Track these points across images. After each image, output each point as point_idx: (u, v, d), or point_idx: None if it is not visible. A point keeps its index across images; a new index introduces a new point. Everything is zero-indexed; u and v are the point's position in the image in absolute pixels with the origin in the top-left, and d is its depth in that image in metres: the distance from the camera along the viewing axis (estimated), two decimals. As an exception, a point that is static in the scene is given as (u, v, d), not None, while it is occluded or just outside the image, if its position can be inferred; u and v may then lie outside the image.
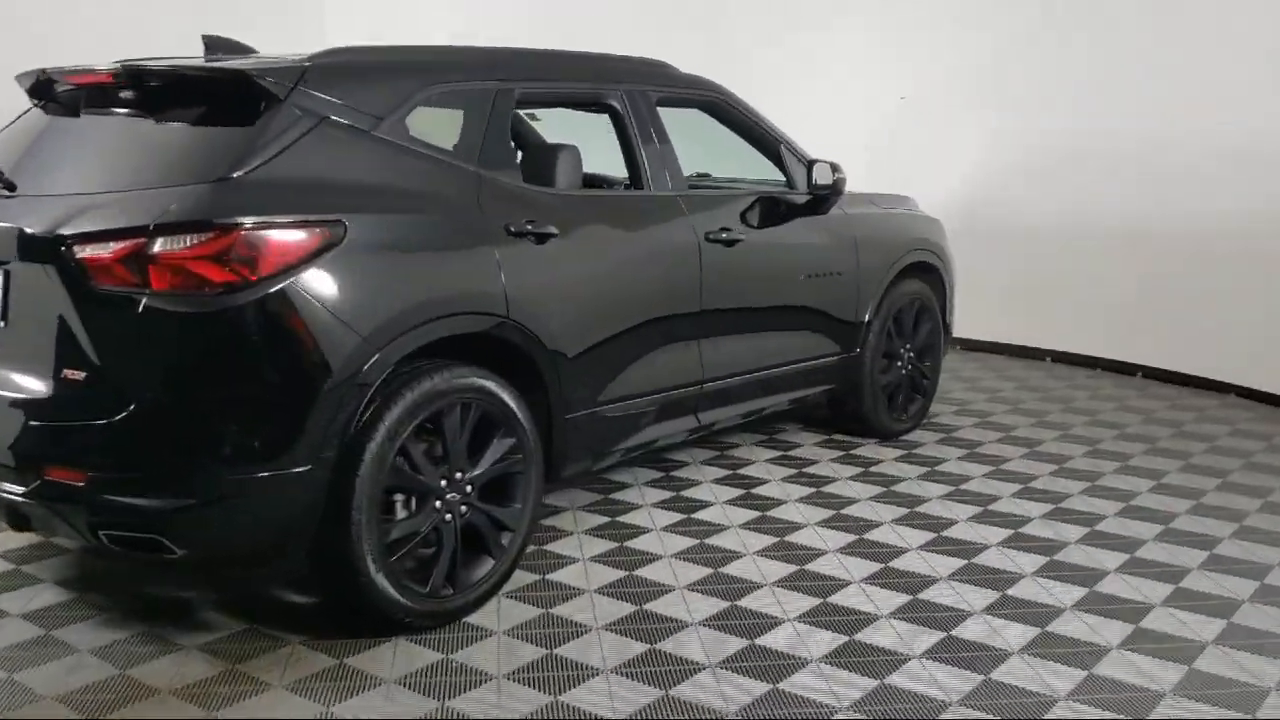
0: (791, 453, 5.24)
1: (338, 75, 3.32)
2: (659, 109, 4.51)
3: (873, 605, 3.55)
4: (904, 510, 4.46)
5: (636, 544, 4.03)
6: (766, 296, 4.65)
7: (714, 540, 4.09)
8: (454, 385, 3.30)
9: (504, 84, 3.73)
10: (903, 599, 3.60)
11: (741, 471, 4.94)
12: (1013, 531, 4.25)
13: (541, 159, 4.03)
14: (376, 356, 3.09)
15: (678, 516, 4.32)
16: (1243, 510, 4.57)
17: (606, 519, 4.28)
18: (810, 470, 4.97)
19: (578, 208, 3.89)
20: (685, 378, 4.29)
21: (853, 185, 5.32)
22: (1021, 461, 5.17)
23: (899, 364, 5.50)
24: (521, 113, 5.37)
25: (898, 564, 3.90)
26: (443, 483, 3.33)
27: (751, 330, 4.60)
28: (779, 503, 4.53)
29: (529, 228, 3.58)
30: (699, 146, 5.02)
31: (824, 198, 4.85)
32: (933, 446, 5.40)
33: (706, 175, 5.82)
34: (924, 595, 3.64)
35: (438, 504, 3.32)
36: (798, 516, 4.37)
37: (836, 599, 3.60)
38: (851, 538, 4.16)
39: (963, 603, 3.59)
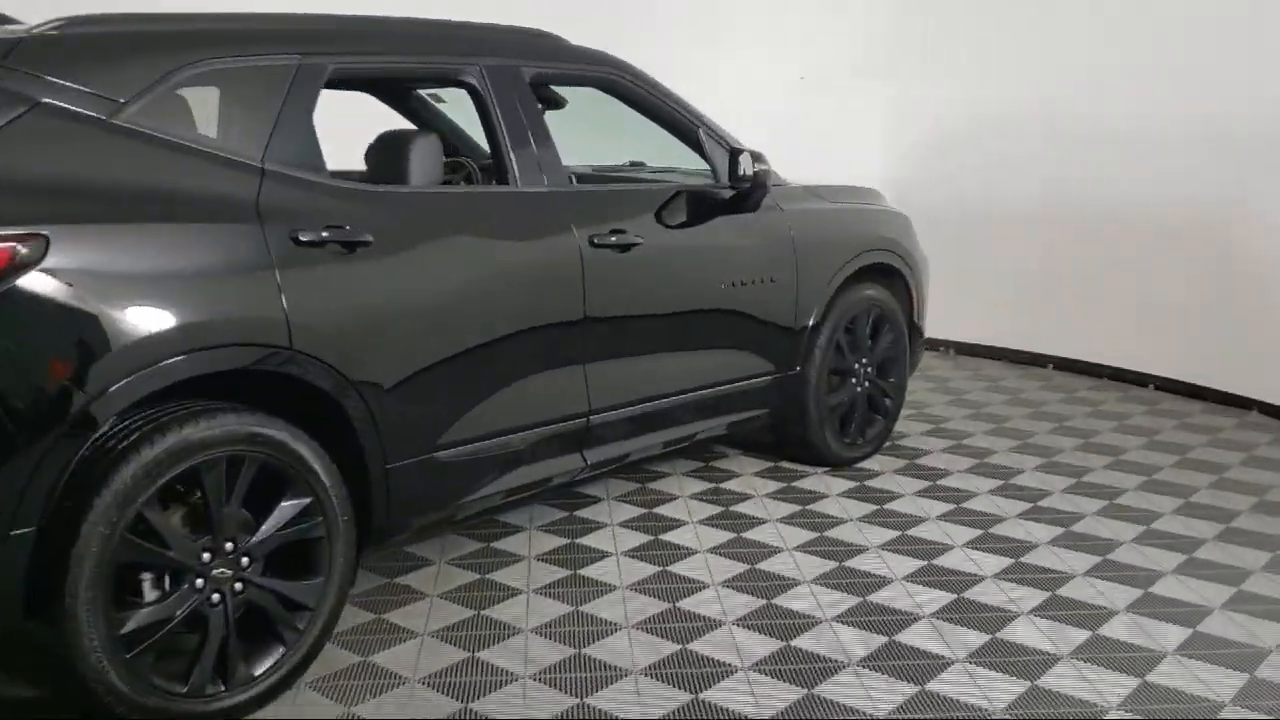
0: (724, 485, 4.54)
1: (67, 50, 2.67)
2: (544, 88, 3.83)
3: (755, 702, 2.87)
4: (831, 565, 3.75)
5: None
6: (675, 310, 3.95)
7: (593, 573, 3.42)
8: (216, 435, 2.65)
9: (309, 58, 3.05)
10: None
11: (658, 510, 4.25)
12: (956, 596, 3.53)
13: (386, 151, 3.37)
14: (90, 403, 2.45)
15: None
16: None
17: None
18: (738, 508, 4.28)
19: (408, 210, 3.21)
20: (565, 409, 3.61)
21: (791, 175, 4.62)
22: (988, 500, 4.43)
23: (853, 381, 4.78)
24: (423, 93, 4.71)
25: (802, 642, 3.21)
26: (206, 556, 2.68)
27: (656, 350, 3.90)
28: (688, 552, 3.84)
29: (328, 236, 2.91)
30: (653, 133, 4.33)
31: (750, 192, 4.14)
32: (889, 478, 4.67)
33: (640, 164, 5.13)
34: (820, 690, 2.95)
35: (198, 582, 2.67)
36: (702, 573, 3.68)
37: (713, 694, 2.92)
38: (760, 602, 3.47)
39: (867, 701, 2.90)
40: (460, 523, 3.81)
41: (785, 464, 4.82)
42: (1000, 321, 6.99)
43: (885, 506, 4.33)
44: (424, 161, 3.36)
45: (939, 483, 4.62)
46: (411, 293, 3.11)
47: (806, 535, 4.02)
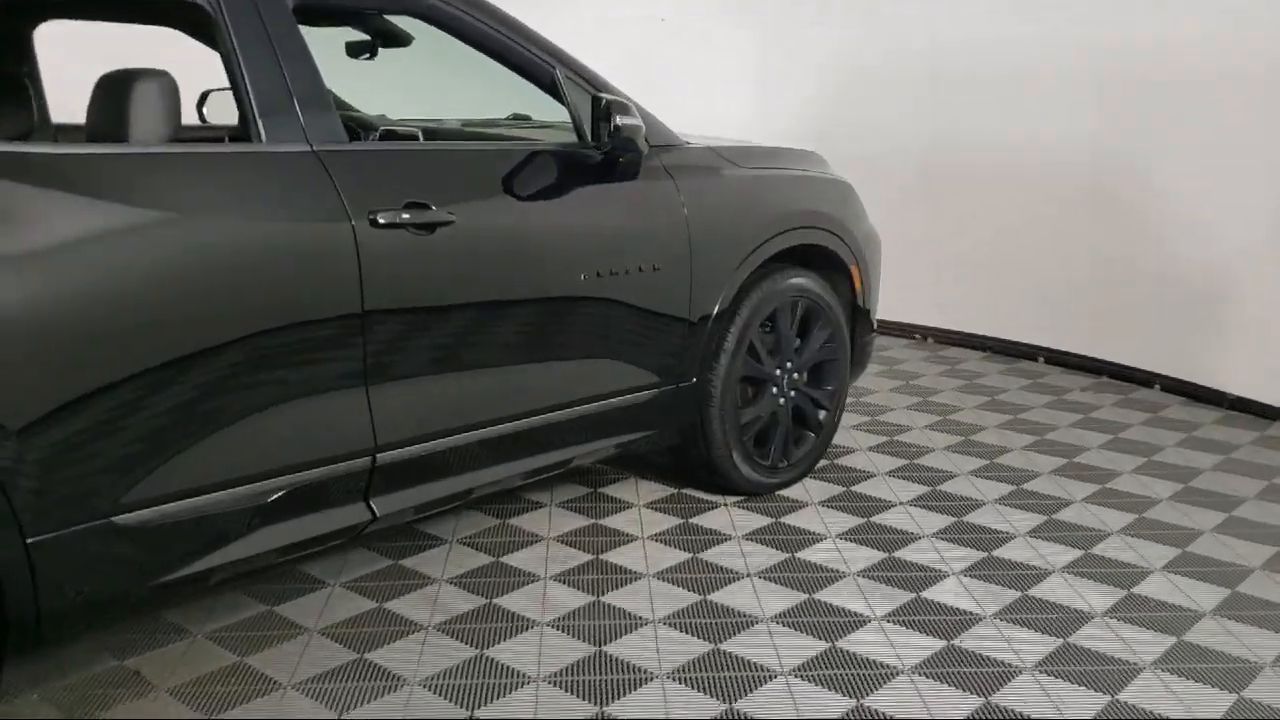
0: (605, 520, 3.64)
1: None
2: (350, 16, 2.92)
3: None
4: (701, 649, 2.85)
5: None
6: (507, 311, 3.03)
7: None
8: None
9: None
10: None
11: (505, 560, 3.36)
12: (855, 702, 2.62)
13: (102, 100, 2.49)
14: None
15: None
16: None
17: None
18: (611, 556, 3.38)
19: (59, 178, 2.29)
20: (338, 446, 2.71)
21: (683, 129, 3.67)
22: (928, 547, 3.50)
23: (773, 392, 3.84)
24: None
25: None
26: None
27: (479, 364, 2.99)
28: (522, 627, 2.95)
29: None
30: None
31: (623, 155, 3.20)
32: (810, 513, 3.75)
33: (525, 118, 4.20)
34: None
35: None
36: (525, 658, 2.78)
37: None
38: (592, 710, 2.57)
39: None
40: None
41: (690, 491, 3.91)
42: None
43: (798, 555, 3.41)
44: (150, 109, 2.46)
45: (875, 519, 3.69)
46: (71, 296, 2.21)
47: (682, 599, 3.11)
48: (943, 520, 3.69)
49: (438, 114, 4.47)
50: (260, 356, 2.50)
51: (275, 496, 2.60)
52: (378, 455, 2.78)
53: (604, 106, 3.09)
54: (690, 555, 3.41)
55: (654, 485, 3.96)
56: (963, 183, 5.93)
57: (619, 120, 3.09)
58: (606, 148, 3.17)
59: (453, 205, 2.84)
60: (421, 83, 4.89)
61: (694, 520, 3.68)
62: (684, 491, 3.91)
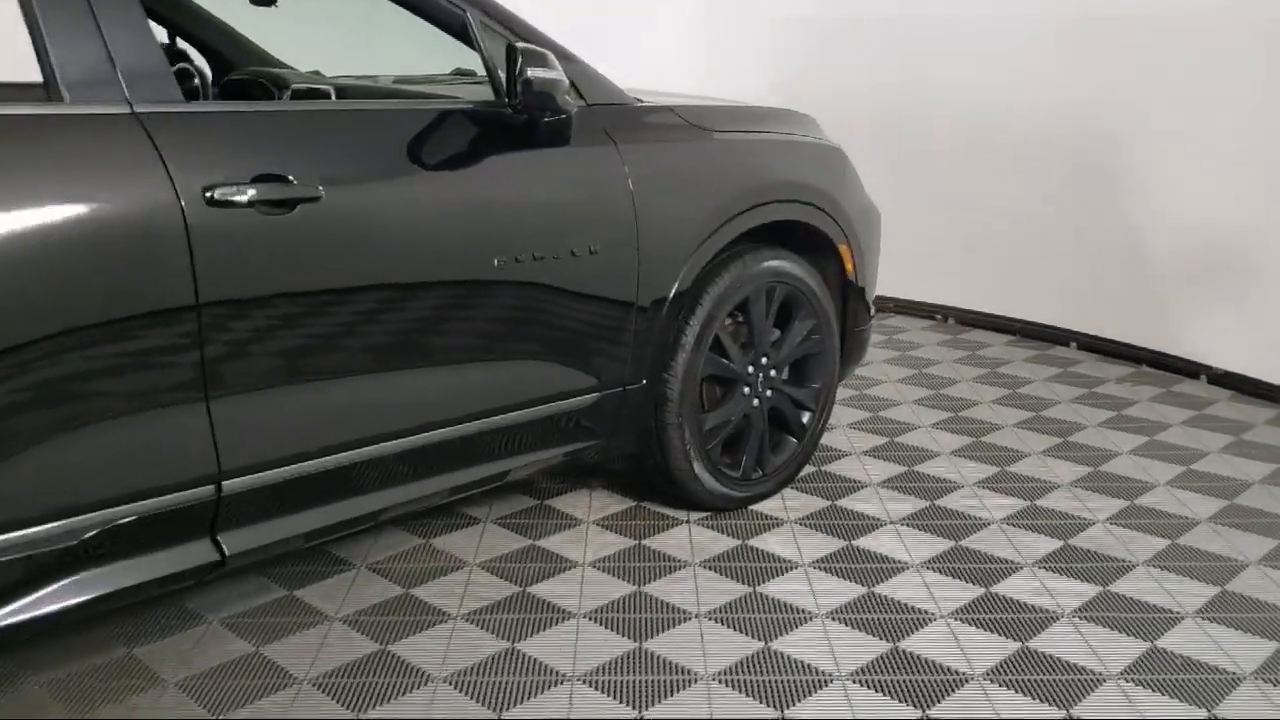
0: (544, 541, 3.16)
1: None
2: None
3: None
4: (628, 717, 2.36)
5: None
6: (393, 305, 2.52)
7: None
8: None
9: None
10: None
11: (415, 593, 2.88)
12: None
13: None
14: None
15: None
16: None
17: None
18: (540, 588, 2.89)
19: None
20: (170, 473, 2.23)
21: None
22: (916, 582, 2.97)
23: (745, 392, 3.31)
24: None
25: None
26: None
27: (354, 371, 2.49)
28: (418, 682, 2.47)
29: None
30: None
31: (546, 116, 2.68)
32: (783, 534, 3.23)
33: (470, 73, 3.69)
34: None
35: None
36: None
37: None
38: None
39: None
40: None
41: (650, 505, 3.40)
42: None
43: (761, 589, 2.89)
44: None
45: (858, 542, 3.16)
46: None
47: (613, 648, 2.62)
48: (938, 545, 3.15)
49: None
50: (64, 366, 2.03)
51: (89, 535, 2.13)
52: (224, 482, 2.29)
53: (514, 56, 2.57)
54: (634, 589, 2.91)
55: (609, 497, 3.46)
56: (989, 148, 5.32)
57: (530, 73, 2.56)
58: (518, 105, 2.64)
59: (319, 178, 2.33)
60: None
61: (647, 542, 3.17)
62: (643, 505, 3.41)
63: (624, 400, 3.02)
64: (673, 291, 3.02)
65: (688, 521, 3.30)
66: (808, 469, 3.66)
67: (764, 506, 3.41)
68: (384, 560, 3.04)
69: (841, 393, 4.44)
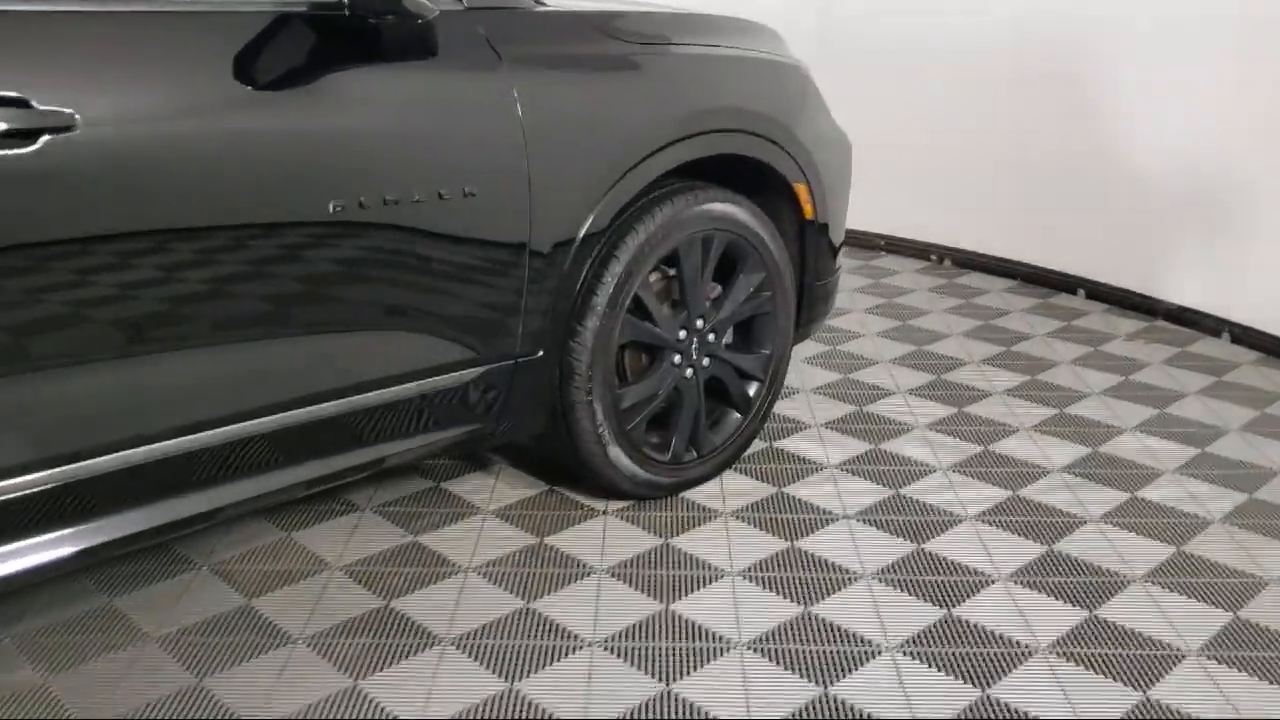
0: (428, 536, 2.67)
1: None
2: None
3: None
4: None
5: None
6: (181, 260, 1.98)
7: None
8: None
9: None
10: None
11: (256, 604, 2.39)
12: None
13: None
14: None
15: None
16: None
17: None
18: (407, 603, 2.40)
19: None
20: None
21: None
22: (864, 596, 2.46)
23: (675, 361, 2.78)
24: None
25: None
26: None
27: (147, 350, 1.97)
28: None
29: None
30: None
31: (384, 18, 2.09)
32: (715, 529, 2.72)
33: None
34: None
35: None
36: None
37: None
38: None
39: None
40: None
41: (564, 490, 2.90)
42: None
43: (675, 609, 2.39)
44: None
45: (802, 543, 2.65)
46: None
47: (480, 687, 2.12)
48: (896, 548, 2.63)
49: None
50: None
51: None
52: (-50, 495, 1.78)
53: None
54: (522, 604, 2.41)
55: (518, 480, 2.95)
56: (997, 72, 4.69)
57: None
58: (349, 5, 2.06)
59: (73, 101, 1.78)
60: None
61: (551, 539, 2.66)
62: (556, 490, 2.90)
63: (516, 375, 2.48)
64: (577, 244, 2.47)
65: (604, 513, 2.79)
66: (756, 445, 3.14)
67: (698, 494, 2.89)
68: (229, 560, 2.55)
69: (810, 348, 3.90)
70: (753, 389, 2.98)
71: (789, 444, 3.18)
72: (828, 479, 2.98)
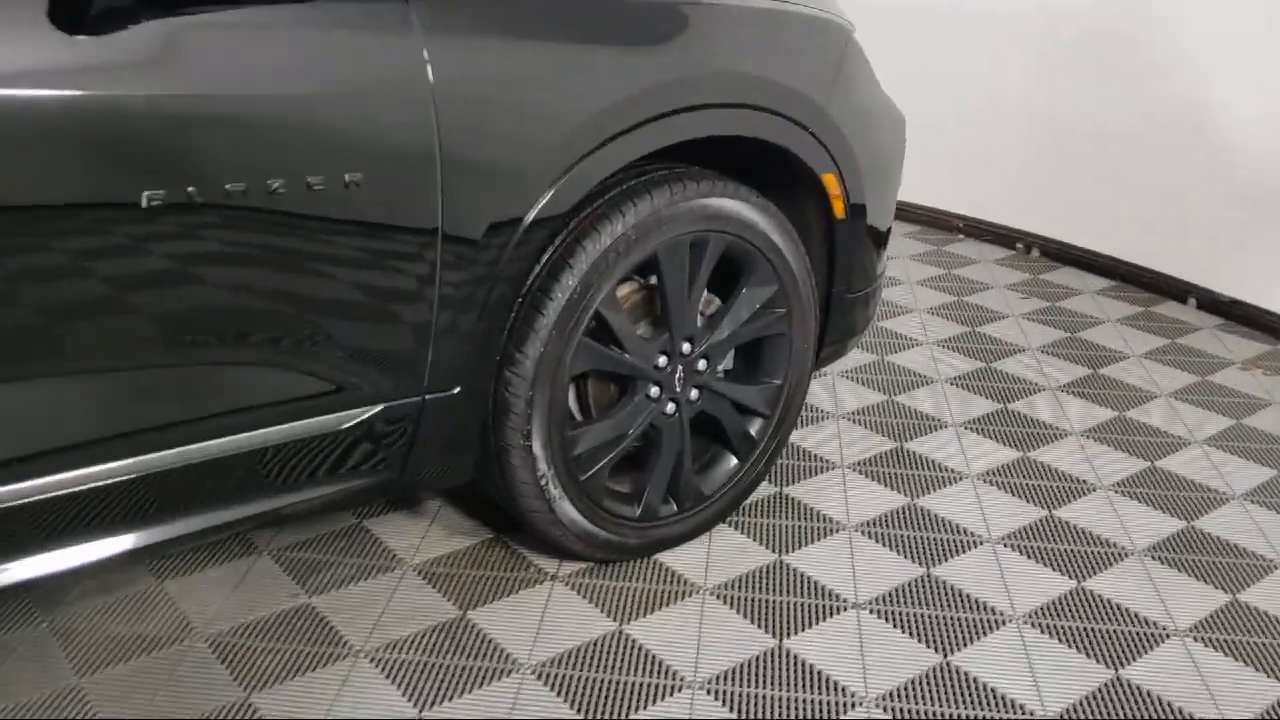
0: (324, 599, 2.15)
1: None
2: None
3: None
4: None
5: None
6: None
7: None
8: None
9: None
10: None
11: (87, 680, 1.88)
12: None
13: None
14: None
15: None
16: None
17: None
18: (268, 699, 1.87)
19: None
20: None
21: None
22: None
23: (652, 394, 2.19)
24: None
25: None
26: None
27: None
28: None
29: None
30: None
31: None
32: (688, 610, 2.14)
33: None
34: None
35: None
36: None
37: None
38: None
39: None
40: None
41: (513, 542, 2.34)
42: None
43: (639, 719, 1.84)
44: None
45: (794, 645, 2.06)
46: None
47: None
48: (922, 658, 2.03)
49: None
50: None
51: None
52: None
53: None
54: (414, 714, 1.86)
55: (459, 522, 2.41)
56: (1112, 27, 3.95)
57: None
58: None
59: None
60: None
61: (477, 615, 2.12)
62: (502, 539, 2.35)
63: (424, 415, 1.91)
64: (510, 250, 1.88)
65: (553, 578, 2.23)
66: (762, 490, 2.55)
67: (677, 558, 2.32)
68: (77, 617, 2.05)
69: (852, 355, 3.28)
70: (755, 427, 2.38)
71: (804, 492, 2.58)
72: (842, 545, 2.38)
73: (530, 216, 1.88)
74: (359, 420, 1.84)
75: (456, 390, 1.92)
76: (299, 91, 1.63)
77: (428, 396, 1.90)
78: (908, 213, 4.60)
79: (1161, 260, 3.97)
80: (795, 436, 2.80)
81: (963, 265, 4.20)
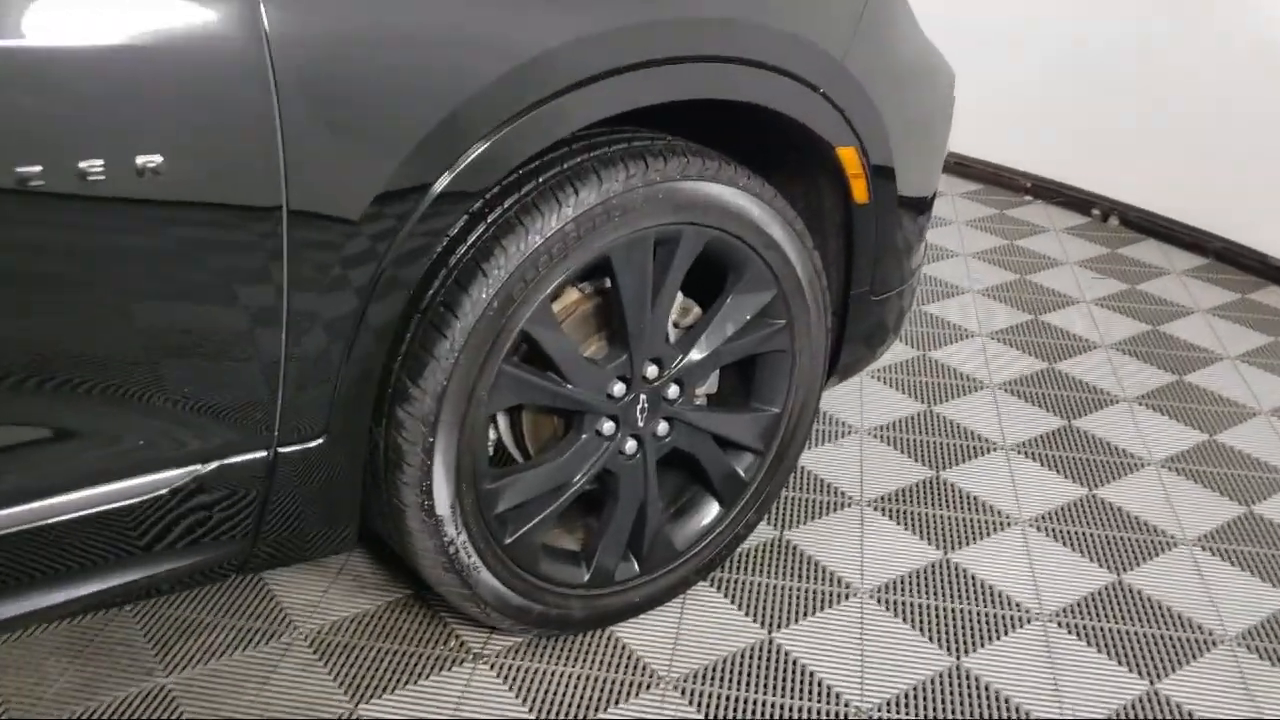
0: (195, 661, 1.68)
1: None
2: None
3: None
4: None
5: None
6: None
7: None
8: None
9: None
10: None
11: None
12: None
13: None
14: None
15: None
16: None
17: None
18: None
19: None
20: None
21: None
22: None
23: (607, 430, 1.69)
24: None
25: None
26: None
27: None
28: None
29: None
30: None
31: None
32: (640, 706, 1.67)
33: None
34: None
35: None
36: None
37: None
38: None
39: None
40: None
41: (433, 600, 1.87)
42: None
43: None
44: None
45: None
46: None
47: None
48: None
49: None
50: None
51: None
52: None
53: None
54: None
55: (371, 575, 1.94)
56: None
57: None
58: None
59: None
60: None
61: (371, 710, 1.65)
62: (423, 598, 1.88)
63: (276, 473, 1.43)
64: (392, 254, 1.38)
65: (477, 657, 1.76)
66: (761, 533, 2.06)
67: (638, 631, 1.83)
68: None
69: (888, 351, 2.75)
70: (745, 464, 1.88)
71: (810, 537, 2.08)
72: (853, 614, 1.88)
73: (424, 204, 1.38)
74: (177, 486, 1.36)
75: (321, 440, 1.44)
76: (76, 52, 1.14)
77: (281, 449, 1.42)
78: (967, 169, 4.03)
79: (1265, 237, 3.36)
80: (804, 458, 2.29)
81: (1028, 235, 3.63)
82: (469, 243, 1.49)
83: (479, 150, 1.39)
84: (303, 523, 1.50)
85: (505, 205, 1.50)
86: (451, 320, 1.48)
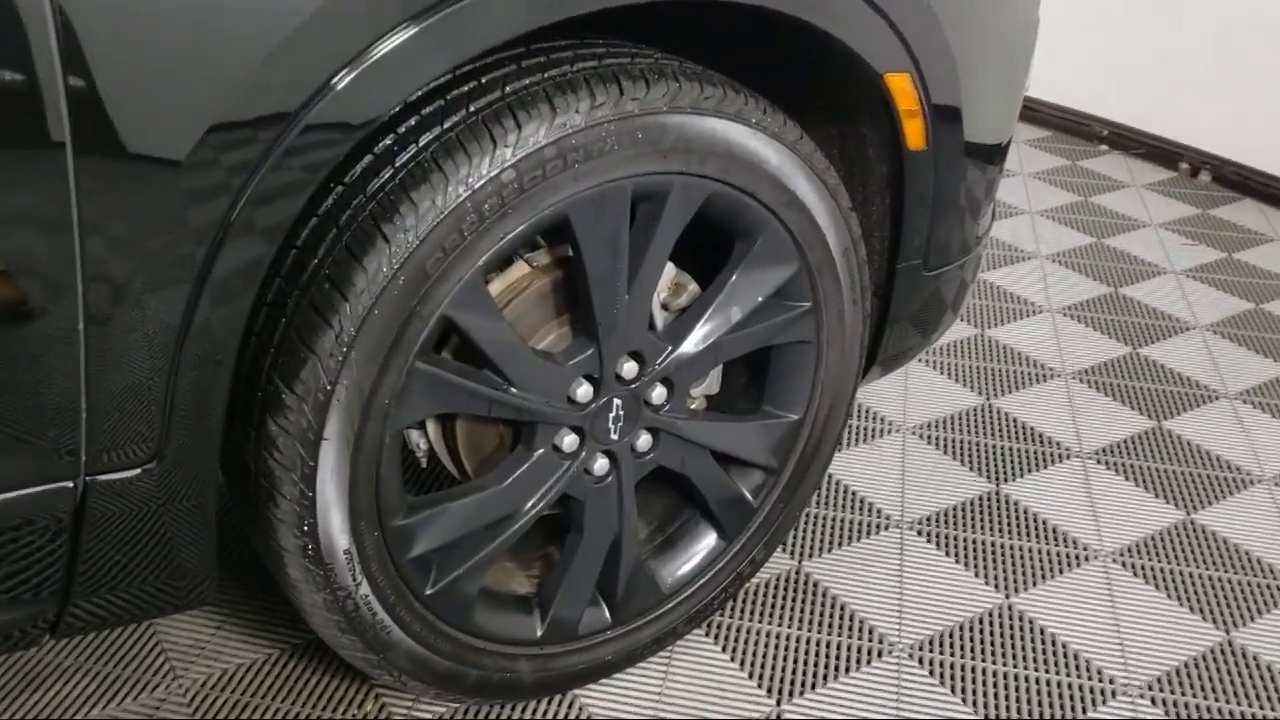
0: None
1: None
2: None
3: None
4: None
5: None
6: None
7: None
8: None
9: None
10: None
11: None
12: None
13: None
14: None
15: None
16: None
17: None
18: None
19: None
20: None
21: None
22: None
23: (568, 445, 1.27)
24: None
25: None
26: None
27: None
28: None
29: None
30: None
31: None
32: None
33: None
34: None
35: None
36: None
37: None
38: None
39: None
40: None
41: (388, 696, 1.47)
42: None
43: None
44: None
45: None
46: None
47: None
48: None
49: None
50: None
51: None
52: None
53: None
54: None
55: (267, 613, 1.54)
56: None
57: None
58: None
59: None
60: None
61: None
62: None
63: (85, 512, 1.03)
64: (248, 198, 0.96)
65: (396, 730, 1.37)
66: (775, 565, 1.64)
67: (608, 696, 1.43)
68: None
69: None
70: (753, 484, 1.46)
71: (833, 573, 1.66)
72: (890, 678, 1.46)
73: (287, 137, 0.96)
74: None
75: (151, 465, 1.03)
76: None
77: (91, 478, 1.01)
78: (1033, 113, 3.54)
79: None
80: (833, 466, 1.87)
81: (1105, 190, 3.15)
82: (366, 194, 1.07)
83: (372, 58, 0.97)
84: (135, 573, 1.10)
85: (420, 144, 1.08)
86: (338, 302, 1.07)
